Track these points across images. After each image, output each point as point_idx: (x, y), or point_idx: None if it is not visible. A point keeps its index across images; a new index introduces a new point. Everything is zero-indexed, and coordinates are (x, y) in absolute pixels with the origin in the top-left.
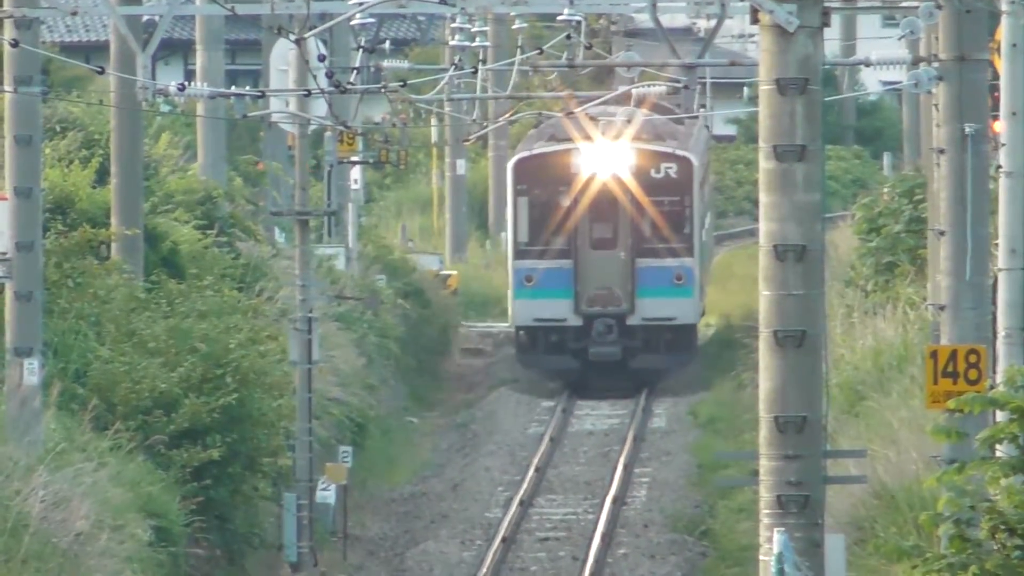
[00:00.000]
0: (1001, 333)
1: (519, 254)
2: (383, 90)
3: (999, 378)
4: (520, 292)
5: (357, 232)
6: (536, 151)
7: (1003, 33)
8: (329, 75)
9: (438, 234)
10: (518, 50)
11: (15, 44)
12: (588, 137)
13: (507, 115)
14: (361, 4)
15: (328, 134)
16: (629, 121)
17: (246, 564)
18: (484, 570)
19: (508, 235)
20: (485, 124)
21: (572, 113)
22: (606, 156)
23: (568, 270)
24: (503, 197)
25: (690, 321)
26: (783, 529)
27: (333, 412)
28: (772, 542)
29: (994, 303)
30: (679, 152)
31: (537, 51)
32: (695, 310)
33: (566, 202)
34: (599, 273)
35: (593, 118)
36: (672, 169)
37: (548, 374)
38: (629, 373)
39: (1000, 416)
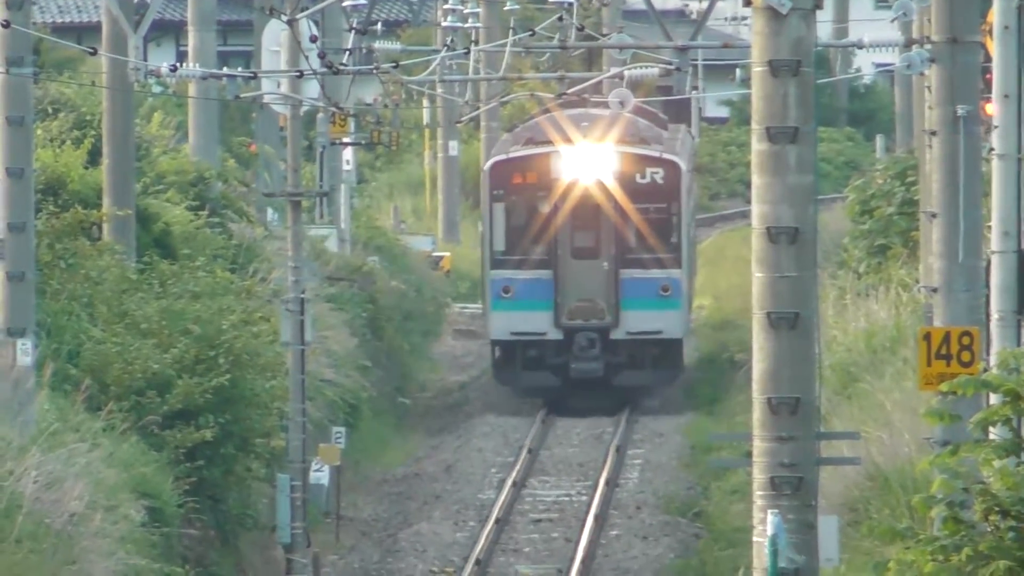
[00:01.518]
0: (994, 316)
1: (495, 264)
2: (375, 71)
3: (992, 360)
4: (497, 304)
5: (349, 213)
6: (512, 155)
7: (995, 15)
8: (321, 56)
9: (431, 215)
10: (510, 31)
11: (7, 25)
12: (568, 139)
13: (499, 96)
14: None
15: (320, 115)
16: (623, 103)
17: (239, 545)
18: (477, 551)
19: (484, 244)
20: (478, 105)
21: (564, 95)
22: (588, 160)
23: (548, 281)
24: None
25: (677, 335)
26: (777, 511)
27: (326, 393)
28: (765, 523)
29: (987, 285)
30: (666, 156)
31: (529, 32)
32: (683, 324)
33: (545, 209)
34: (581, 284)
35: (585, 96)
36: (658, 174)
37: (525, 391)
38: (612, 390)
39: (993, 398)
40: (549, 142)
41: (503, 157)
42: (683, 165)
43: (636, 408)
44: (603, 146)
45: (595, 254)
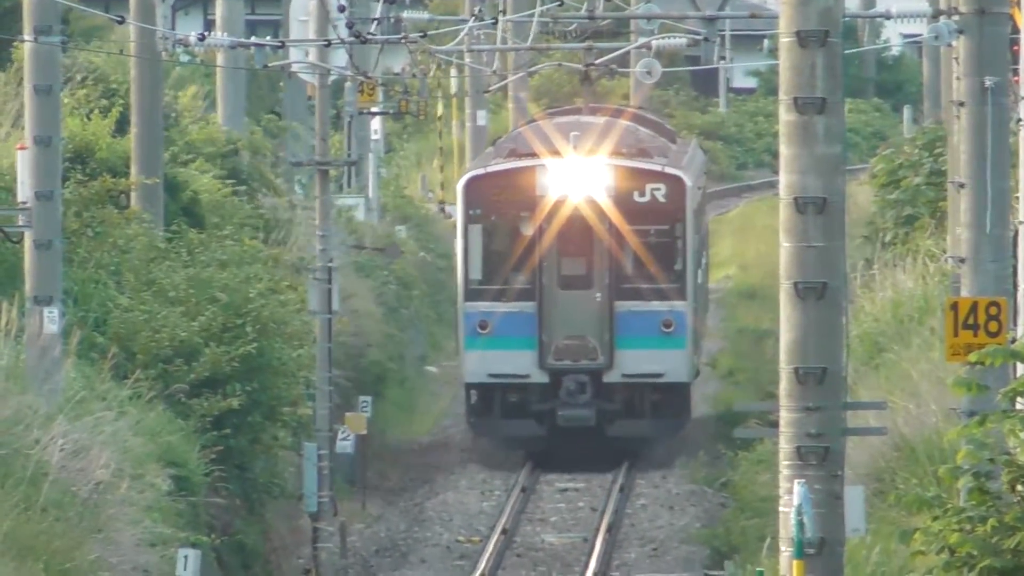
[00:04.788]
0: (1022, 286)
1: (470, 295)
2: (403, 41)
3: (1020, 331)
4: (472, 342)
5: (377, 182)
6: (492, 168)
7: None
8: (349, 25)
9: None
10: (538, 1)
11: None
12: (556, 151)
13: (526, 67)
14: None
15: (348, 84)
16: (650, 73)
17: (266, 513)
18: (503, 520)
19: (458, 271)
20: (505, 75)
21: (591, 65)
22: (578, 174)
23: (531, 315)
24: None
25: (682, 379)
26: (803, 481)
27: (352, 362)
28: (792, 493)
29: (1015, 256)
30: (669, 170)
31: (557, 2)
32: (688, 365)
33: (529, 231)
34: (570, 319)
35: (613, 67)
36: (660, 191)
37: (506, 442)
38: (605, 442)
39: (1021, 369)
40: (533, 154)
41: (480, 172)
42: (688, 180)
43: (635, 465)
44: (596, 159)
45: (586, 284)
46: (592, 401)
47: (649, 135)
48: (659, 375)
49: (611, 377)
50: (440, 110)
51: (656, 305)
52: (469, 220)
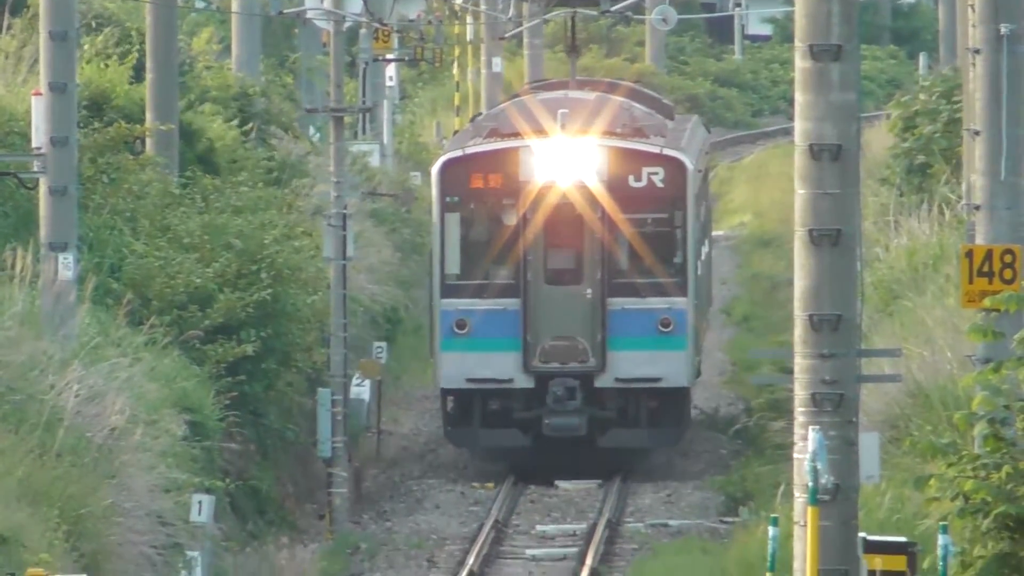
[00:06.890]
0: None
1: (447, 291)
2: None
3: None
4: (449, 343)
5: (392, 129)
6: (470, 150)
7: None
8: None
9: None
10: None
11: None
12: (542, 131)
13: (541, 13)
14: None
15: (363, 31)
16: (665, 20)
17: (280, 459)
18: (518, 466)
19: (434, 264)
20: (520, 22)
21: (607, 12)
22: (567, 157)
23: (515, 313)
24: None
25: (681, 383)
26: (818, 427)
27: (367, 308)
28: (806, 440)
29: None
30: (668, 152)
31: None
32: (688, 368)
33: (512, 220)
34: (557, 317)
35: (628, 15)
36: (658, 176)
37: (487, 453)
38: (597, 452)
39: None
40: (517, 135)
41: (457, 154)
42: (690, 164)
43: (630, 475)
44: (586, 139)
45: (576, 279)
46: (582, 408)
47: (645, 112)
48: (656, 379)
49: (603, 382)
50: (456, 56)
51: (653, 302)
52: (445, 208)
